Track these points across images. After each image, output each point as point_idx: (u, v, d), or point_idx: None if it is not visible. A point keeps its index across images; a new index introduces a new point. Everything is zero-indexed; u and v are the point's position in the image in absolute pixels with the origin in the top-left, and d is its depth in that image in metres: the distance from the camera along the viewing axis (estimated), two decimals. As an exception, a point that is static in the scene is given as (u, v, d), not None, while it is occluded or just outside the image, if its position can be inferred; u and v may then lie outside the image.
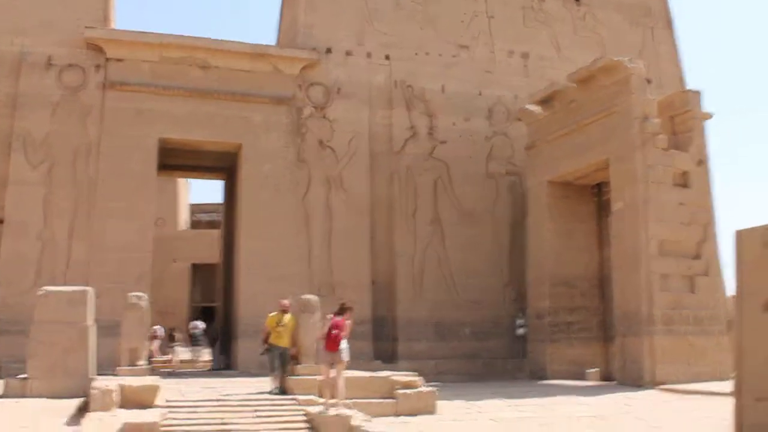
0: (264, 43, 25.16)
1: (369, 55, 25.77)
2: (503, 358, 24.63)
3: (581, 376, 21.84)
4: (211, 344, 27.77)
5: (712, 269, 20.22)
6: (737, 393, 6.63)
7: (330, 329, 13.28)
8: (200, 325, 33.06)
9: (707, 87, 69.18)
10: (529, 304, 24.03)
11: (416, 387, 14.82)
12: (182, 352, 31.68)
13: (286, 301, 15.93)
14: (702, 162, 21.01)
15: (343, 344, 13.29)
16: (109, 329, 18.54)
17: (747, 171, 73.90)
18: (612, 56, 22.06)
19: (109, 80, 22.95)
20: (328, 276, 23.79)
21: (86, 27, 22.92)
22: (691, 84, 32.03)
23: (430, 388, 14.91)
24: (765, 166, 74.63)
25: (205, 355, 30.76)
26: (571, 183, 23.70)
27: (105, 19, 23.52)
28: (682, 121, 21.61)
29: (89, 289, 15.69)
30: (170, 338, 30.74)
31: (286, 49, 25.26)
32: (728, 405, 7.30)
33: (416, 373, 15.73)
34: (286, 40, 26.32)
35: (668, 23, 29.26)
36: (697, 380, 18.31)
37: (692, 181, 20.65)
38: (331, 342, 13.19)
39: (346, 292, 23.15)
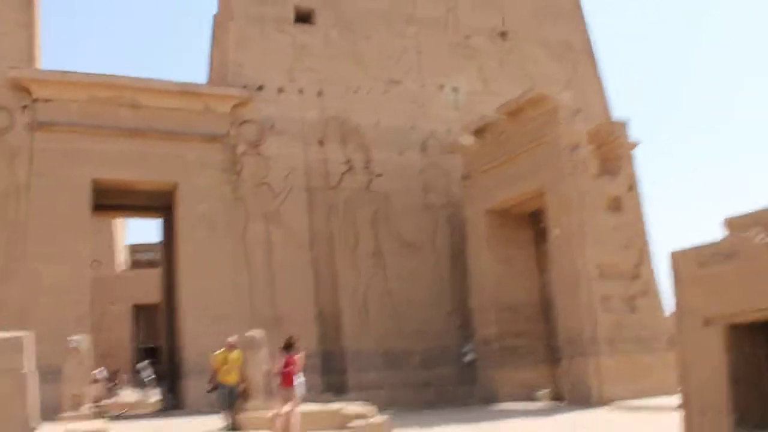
0: (195, 81, 24.73)
1: (301, 91, 25.41)
2: (454, 384, 24.30)
3: (532, 399, 21.60)
4: (157, 383, 26.53)
5: (650, 289, 20.23)
6: (684, 407, 6.92)
7: (282, 367, 12.92)
8: (145, 366, 31.75)
9: (633, 115, 70.97)
10: (476, 330, 23.77)
11: (369, 417, 14.24)
12: (128, 394, 30.41)
13: (232, 339, 15.73)
14: (632, 187, 21.07)
15: (298, 379, 12.98)
16: (49, 375, 17.59)
17: (679, 193, 75.71)
18: (539, 89, 22.07)
19: (37, 121, 21.99)
20: (273, 311, 23.14)
21: (10, 67, 21.96)
22: (616, 113, 32.62)
23: (383, 418, 14.33)
24: (695, 188, 76.66)
25: (153, 396, 29.53)
26: (508, 211, 23.56)
27: (30, 58, 22.61)
28: (610, 150, 21.68)
29: (26, 334, 14.63)
30: (112, 380, 29.57)
31: (216, 87, 24.72)
32: (676, 419, 7.48)
33: (368, 404, 15.33)
34: (217, 78, 25.76)
35: (591, 57, 29.59)
36: (644, 396, 18.24)
37: (625, 206, 20.69)
38: (286, 379, 12.88)
39: (292, 327, 22.48)
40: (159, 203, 26.03)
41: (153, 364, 32.81)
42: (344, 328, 23.92)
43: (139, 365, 31.77)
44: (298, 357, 13.10)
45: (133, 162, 22.63)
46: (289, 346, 13.19)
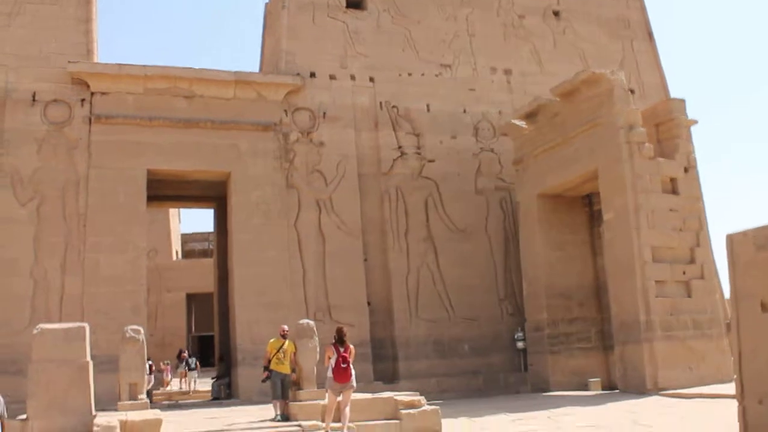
0: (247, 70, 25.10)
1: (353, 77, 25.78)
2: (505, 372, 24.52)
3: (584, 386, 21.74)
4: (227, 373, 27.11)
5: (706, 273, 20.20)
6: (739, 395, 6.68)
7: (338, 362, 13.09)
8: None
9: (690, 94, 69.60)
10: (527, 317, 23.93)
11: (419, 406, 14.56)
12: (180, 383, 31.38)
13: (285, 327, 15.93)
14: (689, 168, 21.03)
15: (352, 371, 13.21)
16: (106, 364, 18.34)
17: (735, 174, 74.20)
18: (594, 69, 22.14)
19: (95, 114, 22.78)
20: (324, 300, 23.61)
21: (70, 62, 22.75)
22: (674, 92, 32.32)
23: (433, 407, 14.68)
24: (752, 168, 74.97)
25: (205, 384, 30.40)
26: (560, 195, 23.68)
27: (88, 52, 23.35)
28: (667, 129, 21.68)
29: (85, 324, 15.47)
30: (182, 362, 30.61)
31: (269, 75, 25.18)
32: (732, 407, 7.28)
33: (418, 393, 15.54)
34: (270, 66, 26.28)
35: (648, 34, 29.39)
36: (699, 384, 18.27)
37: (681, 188, 20.66)
38: (343, 374, 13.06)
39: (343, 315, 23.25)
40: (212, 193, 26.58)
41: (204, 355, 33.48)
42: (395, 315, 24.24)
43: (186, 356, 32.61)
44: (351, 350, 13.27)
45: (187, 152, 23.25)
46: (340, 339, 13.34)
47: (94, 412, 14.18)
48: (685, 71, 78.92)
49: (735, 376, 6.85)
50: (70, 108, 22.78)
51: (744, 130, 77.93)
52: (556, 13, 28.64)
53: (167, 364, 32.68)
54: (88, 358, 14.60)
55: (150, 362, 25.09)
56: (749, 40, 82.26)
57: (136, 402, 15.95)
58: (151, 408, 16.15)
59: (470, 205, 25.85)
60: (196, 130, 23.46)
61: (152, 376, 24.65)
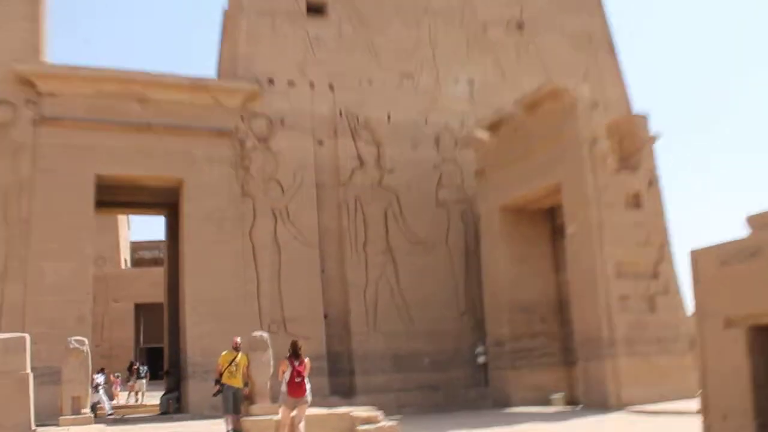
0: (204, 75, 24.87)
1: (312, 85, 25.54)
2: (465, 387, 24.38)
3: (546, 402, 21.65)
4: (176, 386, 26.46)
5: (671, 289, 20.26)
6: (704, 411, 6.84)
7: (292, 376, 12.77)
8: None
9: (655, 107, 70.61)
10: (488, 331, 23.82)
11: (377, 422, 14.30)
12: (127, 396, 30.63)
13: (238, 339, 15.68)
14: (653, 183, 21.08)
15: (307, 386, 12.92)
16: (47, 376, 17.88)
17: (699, 189, 75.49)
18: (557, 82, 22.16)
19: (42, 116, 22.14)
20: (279, 312, 23.31)
21: (15, 60, 22.08)
22: (637, 105, 32.47)
23: (391, 423, 14.39)
24: (717, 183, 76.40)
25: (153, 398, 29.70)
26: (523, 208, 23.60)
27: (36, 52, 22.73)
28: (630, 144, 21.67)
29: (26, 335, 14.83)
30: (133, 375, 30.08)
31: (226, 80, 24.87)
32: (697, 424, 7.41)
33: (376, 408, 15.36)
34: (227, 71, 25.87)
35: (611, 48, 29.49)
36: (663, 400, 18.25)
37: (645, 202, 20.71)
38: (297, 389, 12.75)
39: (298, 328, 22.92)
40: (164, 200, 26.20)
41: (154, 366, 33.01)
42: (352, 328, 24.03)
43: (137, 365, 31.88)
44: (306, 364, 13.09)
45: (139, 157, 22.79)
46: (295, 353, 13.15)
47: (33, 427, 13.57)
48: (648, 85, 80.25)
49: (699, 392, 6.93)
50: (15, 109, 22.10)
51: (709, 145, 79.50)
52: (519, 25, 28.57)
53: (117, 376, 31.90)
54: (28, 370, 14.00)
55: (99, 375, 24.31)
56: (714, 54, 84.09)
57: (78, 416, 15.46)
58: (96, 423, 15.68)
59: (431, 217, 25.70)
60: (148, 135, 23.01)
61: (102, 389, 23.95)
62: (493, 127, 23.84)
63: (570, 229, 20.77)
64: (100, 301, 36.91)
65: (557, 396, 21.62)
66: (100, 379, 24.21)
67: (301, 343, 13.55)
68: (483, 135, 24.27)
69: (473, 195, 25.60)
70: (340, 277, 24.44)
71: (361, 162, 25.38)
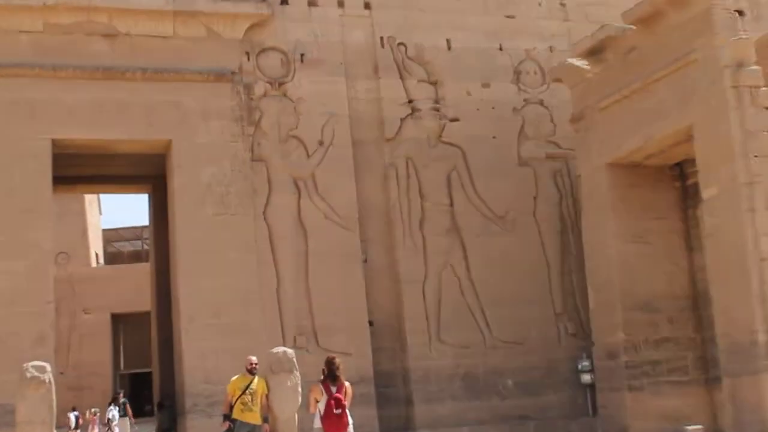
0: (192, -3, 24.92)
1: (341, 4, 25.70)
2: (565, 417, 24.49)
3: (679, 437, 21.54)
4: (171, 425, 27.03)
5: None
6: None
7: (329, 406, 13.12)
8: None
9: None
10: (596, 339, 23.77)
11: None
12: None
13: (253, 358, 16.02)
14: (825, 123, 20.61)
15: (349, 420, 13.29)
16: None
17: None
18: (684, -18, 21.76)
19: (-27, 62, 22.58)
20: (307, 319, 23.54)
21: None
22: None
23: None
24: None
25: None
26: (640, 165, 23.39)
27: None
28: (791, 69, 21.26)
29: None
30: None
31: (222, 2, 24.69)
32: None
33: None
34: (224, -11, 25.96)
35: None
36: None
37: (813, 149, 20.24)
38: (336, 424, 13.18)
39: (334, 340, 23.23)
40: (146, 171, 26.62)
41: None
42: (408, 339, 24.20)
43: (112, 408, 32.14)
44: (346, 389, 13.34)
45: (109, 114, 22.97)
46: (332, 375, 13.48)
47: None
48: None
49: None
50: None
51: None
52: None
53: (95, 413, 32.53)
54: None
55: (76, 414, 24.81)
56: None
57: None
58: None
59: (511, 181, 25.76)
60: (121, 84, 23.20)
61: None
62: (596, 51, 23.54)
63: (708, 192, 20.47)
64: (64, 312, 37.50)
65: (694, 428, 21.44)
66: (112, 413, 24.64)
67: (339, 360, 13.90)
68: (581, 63, 24.04)
69: (570, 149, 25.54)
70: (390, 270, 24.65)
71: (414, 108, 25.42)
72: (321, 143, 24.52)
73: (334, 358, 13.86)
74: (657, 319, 23.03)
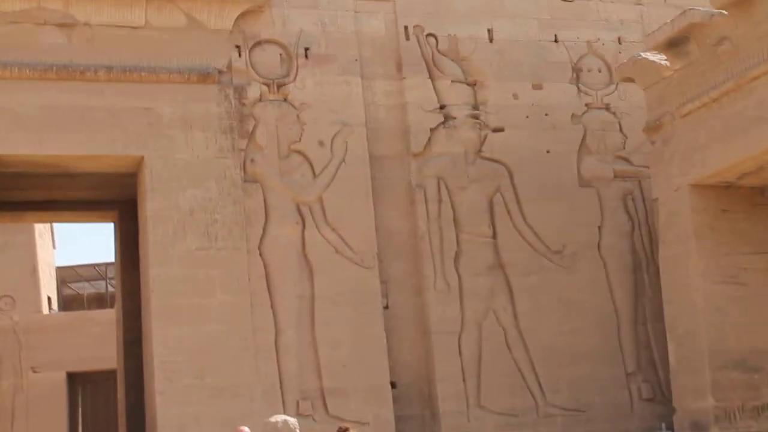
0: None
1: (356, -14, 25.87)
2: (640, 507, 24.44)
3: None
4: None
5: None
6: None
7: None
8: None
9: None
10: (677, 405, 23.60)
11: None
12: None
13: (246, 430, 16.16)
14: None
15: None
16: None
17: None
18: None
19: None
20: (314, 379, 23.46)
21: None
22: None
23: None
24: None
25: None
26: (732, 185, 23.42)
27: None
28: None
29: None
30: None
31: (208, -15, 25.03)
32: None
33: None
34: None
35: None
36: None
37: None
38: None
39: (348, 406, 23.27)
40: (112, 195, 26.72)
41: None
42: (441, 406, 24.06)
43: None
44: None
45: (67, 123, 22.96)
46: None
47: None
48: None
49: None
50: None
51: None
52: None
53: None
54: None
55: None
56: None
57: None
58: None
59: (570, 206, 25.83)
60: (80, 86, 23.21)
61: None
62: (676, 43, 23.51)
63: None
64: (7, 370, 37.38)
65: None
66: None
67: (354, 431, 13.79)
68: (658, 59, 24.02)
69: (644, 166, 25.60)
70: (417, 318, 24.66)
71: (447, 116, 25.46)
72: (330, 160, 24.52)
73: (347, 429, 13.72)
74: (756, 381, 22.91)
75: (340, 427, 14.08)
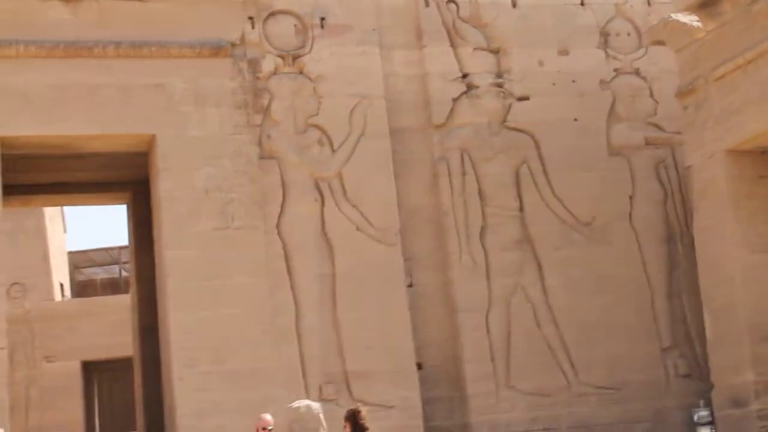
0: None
1: (372, -48, 25.83)
2: (677, 486, 24.41)
3: None
4: None
5: None
6: None
7: None
8: None
9: None
10: (715, 380, 23.50)
11: None
12: None
13: (267, 416, 16.18)
14: None
15: None
16: None
17: None
18: None
19: None
20: (337, 362, 23.48)
21: None
22: None
23: None
24: None
25: None
26: (769, 151, 23.24)
27: None
28: None
29: None
30: None
31: (219, -46, 25.00)
32: None
33: None
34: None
35: None
36: None
37: None
38: None
39: (373, 388, 23.31)
40: (123, 176, 26.77)
41: None
42: (468, 387, 24.17)
43: None
44: None
45: (74, 103, 22.95)
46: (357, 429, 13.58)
47: None
48: None
49: None
50: None
51: None
52: None
53: None
54: None
55: None
56: None
57: None
58: None
59: (600, 176, 25.86)
60: (88, 62, 23.21)
61: None
62: (709, 3, 23.36)
63: None
64: (21, 360, 37.43)
65: None
66: None
67: (365, 412, 14.01)
68: (690, 20, 23.87)
69: (677, 132, 25.54)
70: (442, 296, 24.72)
71: (470, 85, 25.46)
72: (349, 133, 24.51)
73: (358, 411, 14.00)
74: (801, 356, 22.88)
75: (351, 410, 14.12)
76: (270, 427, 15.75)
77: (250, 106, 24.02)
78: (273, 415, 16.19)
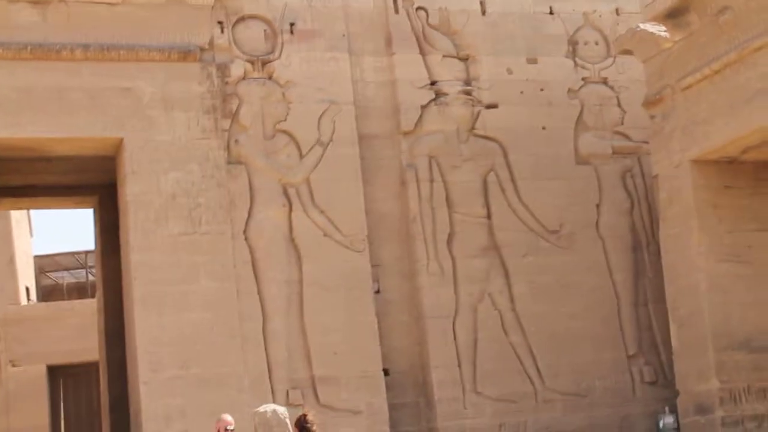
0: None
1: (343, -44, 25.84)
2: (641, 493, 24.52)
3: None
4: None
5: None
6: None
7: None
8: None
9: None
10: (680, 387, 23.68)
11: None
12: None
13: (228, 418, 16.12)
14: None
15: None
16: None
17: None
18: None
19: None
20: (304, 367, 23.51)
21: None
22: None
23: None
24: None
25: None
26: (735, 160, 23.43)
27: None
28: None
29: None
30: None
31: (187, -45, 24.94)
32: None
33: None
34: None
35: None
36: None
37: None
38: None
39: (339, 395, 23.31)
40: (90, 179, 26.65)
41: None
42: (436, 393, 24.15)
43: None
44: None
45: (41, 106, 22.89)
46: None
47: None
48: None
49: None
50: None
51: None
52: None
53: None
54: None
55: None
56: None
57: None
58: None
59: (567, 184, 25.91)
60: (56, 65, 23.17)
61: None
62: (676, 14, 23.48)
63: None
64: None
65: None
66: None
67: (312, 416, 14.29)
68: (657, 30, 24.01)
69: (644, 141, 25.70)
70: (410, 302, 24.75)
71: (438, 93, 25.51)
72: (318, 140, 24.55)
73: (304, 416, 14.19)
74: (762, 361, 22.96)
75: (299, 416, 14.30)
76: (231, 428, 15.68)
77: (219, 111, 23.97)
78: (239, 420, 16.17)
